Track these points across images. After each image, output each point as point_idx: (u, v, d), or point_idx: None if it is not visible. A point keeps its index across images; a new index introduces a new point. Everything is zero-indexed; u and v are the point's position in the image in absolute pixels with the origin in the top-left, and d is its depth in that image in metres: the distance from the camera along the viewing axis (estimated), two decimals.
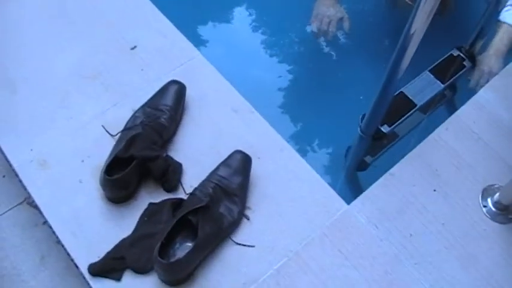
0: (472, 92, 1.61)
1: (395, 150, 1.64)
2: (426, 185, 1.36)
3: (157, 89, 1.42)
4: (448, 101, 1.82)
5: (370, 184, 1.40)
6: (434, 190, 1.36)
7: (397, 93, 1.64)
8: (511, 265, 1.28)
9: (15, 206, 1.43)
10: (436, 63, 1.74)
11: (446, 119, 1.49)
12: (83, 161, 1.34)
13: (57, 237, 1.27)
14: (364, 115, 1.52)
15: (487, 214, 1.35)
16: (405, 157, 1.41)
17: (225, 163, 1.30)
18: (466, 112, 1.49)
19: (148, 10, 1.61)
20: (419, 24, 1.17)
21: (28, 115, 1.40)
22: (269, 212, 1.29)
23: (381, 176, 1.38)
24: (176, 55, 1.52)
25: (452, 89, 1.83)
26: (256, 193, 1.31)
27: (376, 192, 1.34)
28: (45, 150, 1.35)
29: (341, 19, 1.80)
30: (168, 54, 1.52)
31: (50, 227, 1.27)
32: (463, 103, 1.54)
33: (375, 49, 2.03)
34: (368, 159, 1.68)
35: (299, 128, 1.88)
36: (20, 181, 1.34)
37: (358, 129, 1.54)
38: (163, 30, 1.57)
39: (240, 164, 1.29)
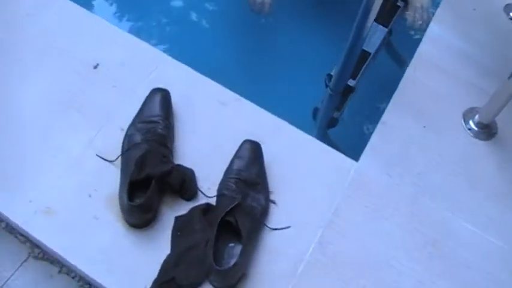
0: (405, 31, 1.74)
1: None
2: (415, 124, 1.48)
3: (136, 101, 1.38)
4: (387, 43, 1.94)
5: (341, 138, 1.50)
6: (424, 127, 1.48)
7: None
8: (506, 170, 1.43)
9: (21, 264, 1.35)
10: None
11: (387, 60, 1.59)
12: (90, 195, 1.29)
13: (87, 282, 1.23)
14: (329, 75, 1.60)
15: (472, 135, 1.49)
16: (389, 104, 1.50)
17: (237, 156, 1.32)
18: (425, 49, 1.61)
19: (98, 25, 1.54)
20: None
21: (13, 166, 1.31)
22: (291, 191, 1.34)
23: (351, 128, 1.46)
24: (143, 63, 1.48)
25: (389, 31, 1.95)
26: (273, 176, 1.34)
27: (377, 143, 1.43)
28: (45, 197, 1.28)
29: None
30: (134, 64, 1.47)
31: (70, 273, 1.22)
32: (399, 42, 1.65)
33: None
34: (336, 114, 1.77)
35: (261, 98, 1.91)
36: (27, 236, 1.26)
37: (328, 89, 1.61)
38: (119, 41, 1.52)
39: (252, 153, 1.32)
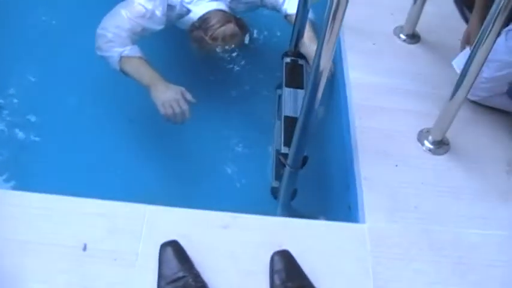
0: None
1: None
2: (388, 167, 1.63)
3: (142, 269, 1.34)
4: None
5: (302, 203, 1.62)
6: (396, 165, 1.64)
7: (283, 119, 1.85)
8: (472, 173, 1.65)
9: None
10: (282, 77, 1.99)
11: None
12: None
13: None
14: (281, 153, 1.70)
15: (432, 153, 1.69)
16: (359, 159, 1.63)
17: (274, 271, 1.34)
18: (356, 97, 1.78)
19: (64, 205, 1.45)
20: (325, 61, 1.36)
21: None
22: (329, 280, 1.39)
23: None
24: (128, 224, 1.43)
25: None
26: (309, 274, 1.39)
27: (371, 199, 1.55)
28: None
29: (182, 91, 1.88)
30: (118, 230, 1.42)
31: None
32: None
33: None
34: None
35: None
36: None
37: (287, 167, 1.70)
38: (90, 211, 1.45)
39: (286, 262, 1.35)
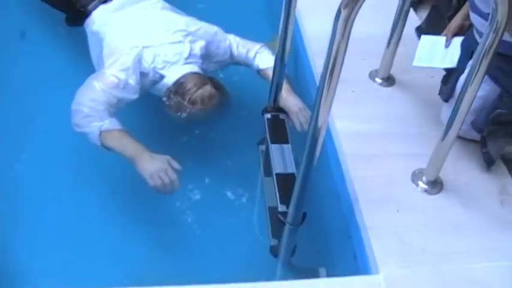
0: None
1: None
2: (390, 213, 1.65)
3: None
4: None
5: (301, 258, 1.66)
6: (397, 210, 1.67)
7: (275, 176, 1.87)
8: (468, 209, 1.70)
9: None
10: (264, 134, 2.01)
11: None
12: None
13: None
14: (281, 213, 1.71)
15: (428, 193, 1.73)
16: (361, 210, 1.65)
17: None
18: (347, 147, 1.82)
19: None
20: (323, 117, 1.39)
21: None
22: None
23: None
24: None
25: None
26: None
27: (380, 248, 1.57)
28: None
29: (168, 160, 1.87)
30: None
31: None
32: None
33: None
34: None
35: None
36: None
37: (287, 225, 1.71)
38: None
39: None
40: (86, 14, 2.36)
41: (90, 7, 2.36)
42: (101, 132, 1.91)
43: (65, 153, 2.19)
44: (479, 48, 1.39)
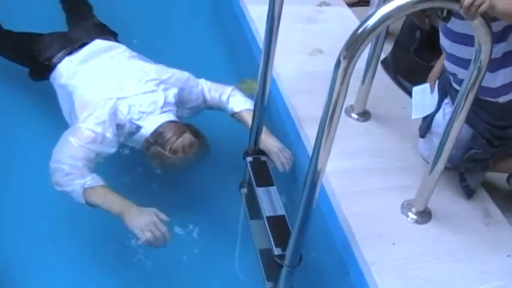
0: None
1: None
2: (387, 246, 1.71)
3: None
4: None
5: None
6: (393, 244, 1.72)
7: (266, 220, 1.90)
8: (459, 235, 1.77)
9: None
10: (249, 176, 2.05)
11: None
12: None
13: None
14: (278, 256, 1.74)
15: (418, 223, 1.80)
16: (359, 247, 1.70)
17: None
18: (336, 183, 1.87)
19: None
20: (323, 161, 1.45)
21: None
22: None
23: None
24: None
25: None
26: None
27: (384, 283, 1.61)
28: None
29: (156, 213, 1.87)
30: None
31: None
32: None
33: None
34: None
35: None
36: None
37: (284, 267, 1.74)
38: None
39: None
40: (50, 67, 2.33)
41: (55, 60, 2.34)
42: (84, 189, 1.89)
43: (41, 211, 2.14)
44: (464, 83, 1.48)
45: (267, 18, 1.78)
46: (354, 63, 1.28)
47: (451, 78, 1.78)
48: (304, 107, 2.15)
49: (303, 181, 1.51)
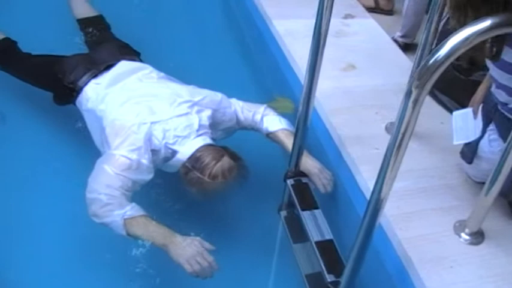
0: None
1: None
2: (445, 269, 1.70)
3: None
4: None
5: None
6: (451, 267, 1.71)
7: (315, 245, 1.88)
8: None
9: None
10: (288, 199, 2.03)
11: None
12: None
13: None
14: (332, 283, 1.73)
15: (470, 244, 1.79)
16: (416, 270, 1.69)
17: None
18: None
19: None
20: (385, 192, 1.45)
21: None
22: None
23: None
24: None
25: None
26: None
27: None
28: None
29: (201, 243, 1.85)
30: None
31: None
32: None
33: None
34: None
35: None
36: None
37: None
38: None
39: None
40: (76, 91, 2.30)
41: (80, 83, 2.32)
42: (124, 220, 1.86)
43: (70, 240, 2.11)
44: None
45: (314, 34, 1.76)
46: (425, 93, 1.27)
47: (500, 106, 1.76)
48: (345, 126, 2.14)
49: (365, 208, 1.51)
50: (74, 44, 2.79)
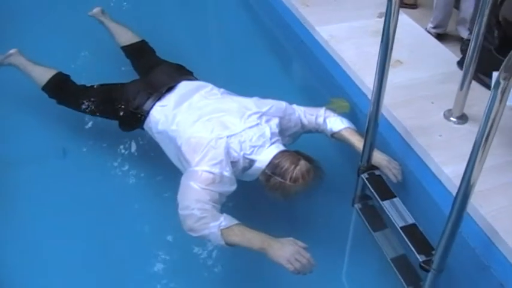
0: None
1: None
2: None
3: None
4: None
5: None
6: None
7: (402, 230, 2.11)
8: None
9: None
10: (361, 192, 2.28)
11: None
12: None
13: None
14: (425, 261, 1.95)
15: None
16: (503, 240, 1.91)
17: None
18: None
19: None
20: (474, 179, 1.66)
21: None
22: None
23: None
24: None
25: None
26: None
27: None
28: None
29: (295, 242, 2.04)
30: None
31: None
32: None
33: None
34: None
35: None
36: None
37: (432, 272, 1.95)
38: None
39: None
40: (143, 115, 2.51)
41: (145, 107, 2.51)
42: (221, 231, 2.05)
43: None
44: None
45: (382, 36, 1.94)
46: None
47: None
48: (408, 118, 2.36)
49: (456, 192, 1.72)
50: (122, 72, 2.98)
